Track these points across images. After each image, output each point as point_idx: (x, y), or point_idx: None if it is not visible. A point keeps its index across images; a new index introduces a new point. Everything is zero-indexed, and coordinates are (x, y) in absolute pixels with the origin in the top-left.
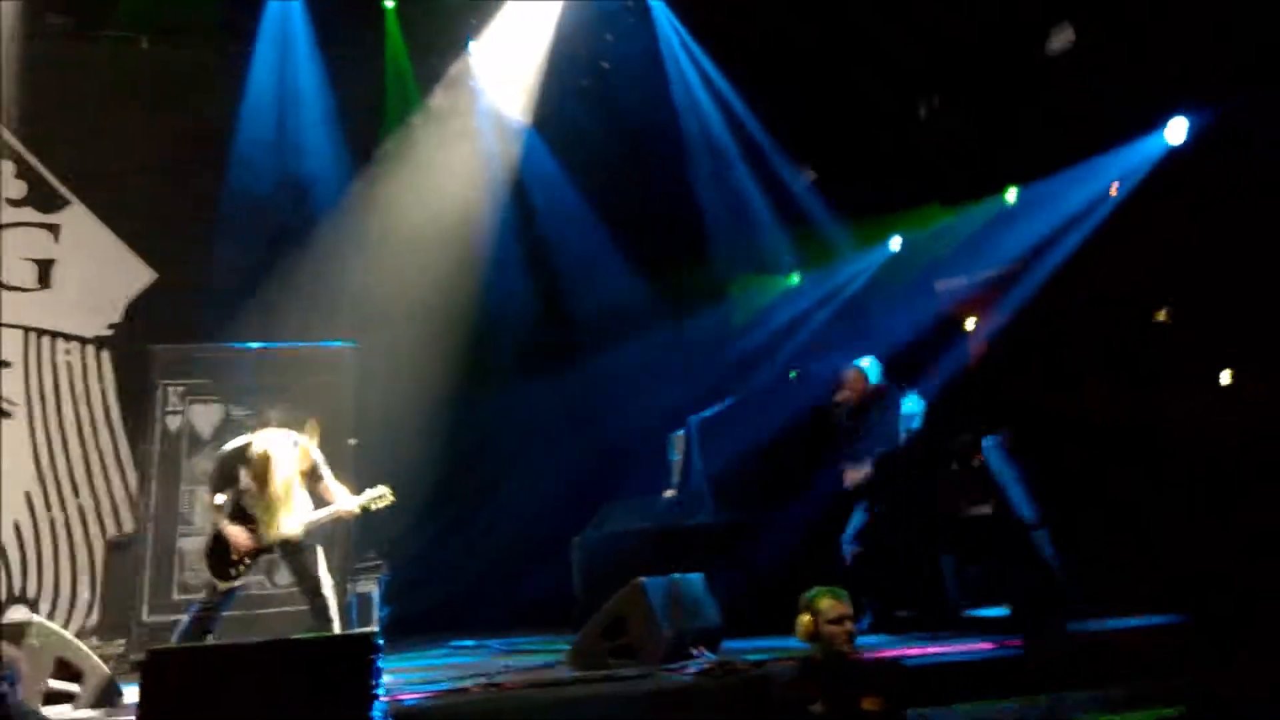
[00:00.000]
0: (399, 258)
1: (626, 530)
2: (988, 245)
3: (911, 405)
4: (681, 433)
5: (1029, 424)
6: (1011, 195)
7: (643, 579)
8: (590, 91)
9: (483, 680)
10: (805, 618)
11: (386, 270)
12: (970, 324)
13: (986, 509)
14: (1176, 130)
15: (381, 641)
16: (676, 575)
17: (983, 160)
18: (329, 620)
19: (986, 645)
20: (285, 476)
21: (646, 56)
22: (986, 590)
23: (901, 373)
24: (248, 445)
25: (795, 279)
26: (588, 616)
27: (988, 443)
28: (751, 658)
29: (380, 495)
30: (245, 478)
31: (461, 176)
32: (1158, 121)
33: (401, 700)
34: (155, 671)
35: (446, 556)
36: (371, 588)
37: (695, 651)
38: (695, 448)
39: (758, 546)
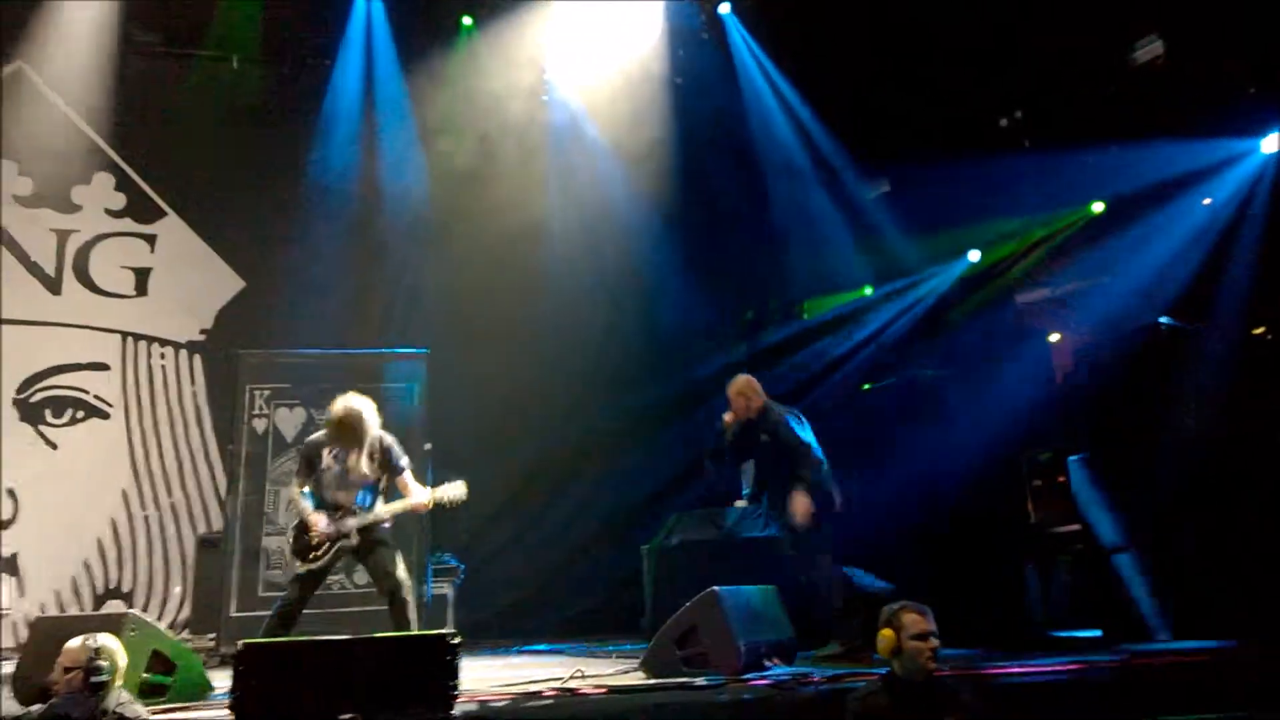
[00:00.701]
0: (474, 267)
1: (697, 540)
2: (1073, 258)
3: (805, 429)
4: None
5: (1116, 443)
6: (1098, 207)
7: (716, 589)
8: (663, 105)
9: (555, 684)
10: (887, 632)
11: (462, 279)
12: (1054, 338)
13: (1075, 526)
14: (1272, 142)
15: (457, 643)
16: (751, 587)
17: (1066, 172)
18: (408, 620)
19: (1074, 666)
20: (362, 468)
21: (718, 69)
22: (1073, 611)
23: (982, 386)
24: (327, 430)
25: (868, 291)
26: (657, 624)
27: (1071, 460)
28: (827, 672)
29: (456, 490)
30: (326, 460)
31: (536, 189)
32: (1253, 132)
33: (477, 700)
34: (247, 663)
35: (517, 561)
36: (446, 590)
37: (770, 663)
38: None
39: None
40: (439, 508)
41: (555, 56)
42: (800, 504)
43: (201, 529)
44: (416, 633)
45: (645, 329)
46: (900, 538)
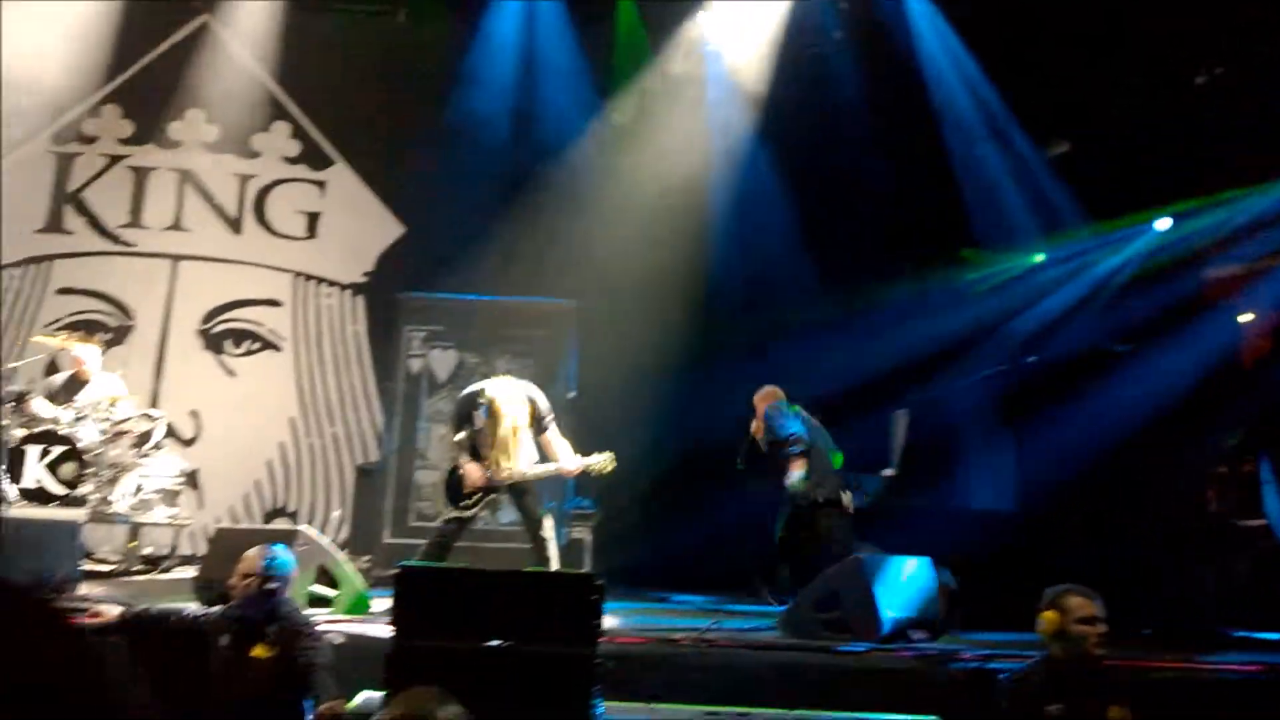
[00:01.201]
0: (626, 220)
1: (839, 502)
2: (1271, 230)
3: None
4: (904, 411)
5: None
6: None
7: (861, 555)
8: (823, 60)
9: (693, 634)
10: (1050, 614)
11: (614, 231)
12: (1246, 317)
13: (1260, 520)
14: None
15: (601, 584)
16: (899, 556)
17: (1270, 135)
18: (548, 559)
19: (1252, 667)
20: (512, 424)
21: (881, 24)
22: (1254, 609)
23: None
24: (482, 390)
25: (1039, 257)
26: (795, 585)
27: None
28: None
29: (604, 461)
30: (479, 420)
31: (691, 143)
32: None
33: (616, 641)
34: (407, 585)
35: (656, 511)
36: (584, 535)
37: (915, 635)
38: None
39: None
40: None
41: (713, 6)
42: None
43: (360, 459)
44: (564, 570)
45: (798, 284)
46: (1060, 518)
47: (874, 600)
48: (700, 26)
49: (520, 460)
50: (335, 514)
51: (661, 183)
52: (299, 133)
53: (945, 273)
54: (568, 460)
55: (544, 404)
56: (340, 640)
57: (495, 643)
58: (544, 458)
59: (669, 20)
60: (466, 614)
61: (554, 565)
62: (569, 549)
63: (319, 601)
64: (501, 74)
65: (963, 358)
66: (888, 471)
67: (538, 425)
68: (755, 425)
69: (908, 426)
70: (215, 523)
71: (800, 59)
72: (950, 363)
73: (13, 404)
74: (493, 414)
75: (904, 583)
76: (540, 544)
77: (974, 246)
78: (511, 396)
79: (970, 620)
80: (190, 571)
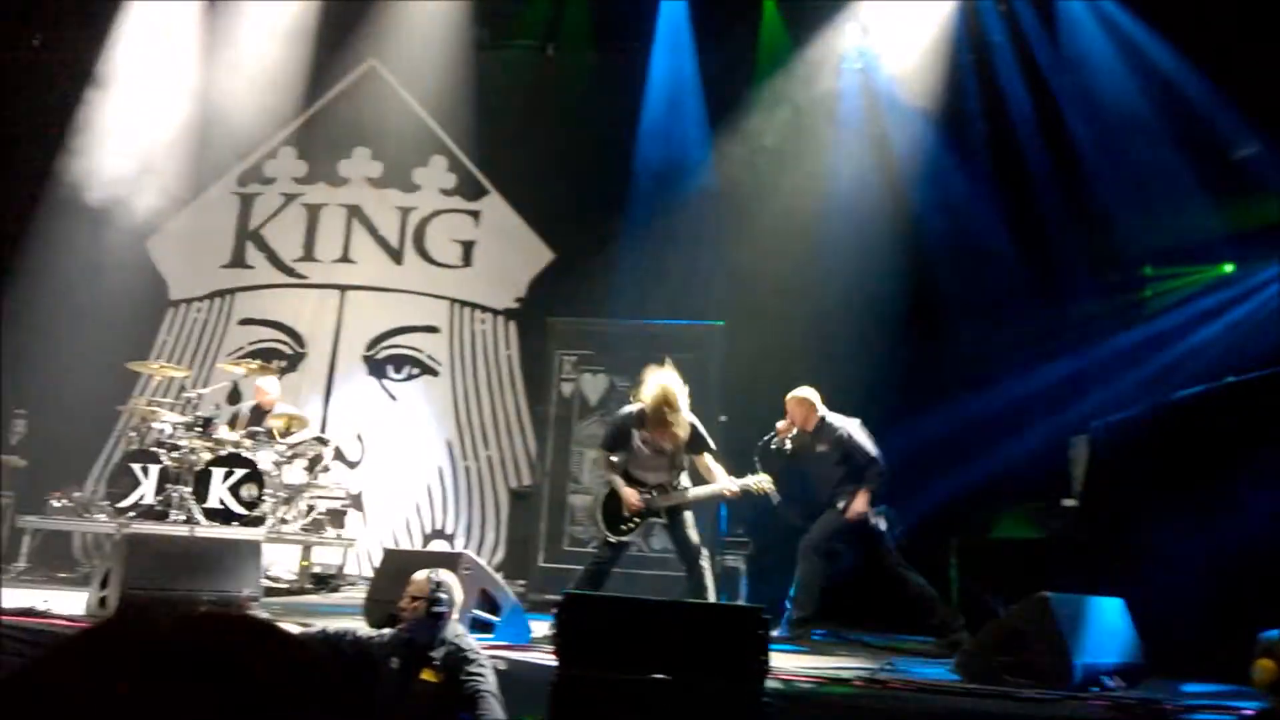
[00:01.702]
0: (775, 240)
1: (1014, 539)
2: None
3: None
4: (1084, 437)
5: None
6: None
7: (1047, 594)
8: (982, 66)
9: (864, 674)
10: (1266, 663)
11: (761, 252)
12: None
13: None
14: None
15: (768, 618)
16: (1090, 596)
17: None
18: (705, 589)
19: None
20: (674, 440)
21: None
22: None
23: None
24: (641, 411)
25: (1229, 268)
26: (970, 625)
27: None
28: (1181, 701)
29: (762, 482)
30: (636, 441)
31: (841, 160)
32: None
33: (782, 678)
34: (569, 612)
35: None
36: (739, 563)
37: (1109, 683)
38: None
39: (1179, 574)
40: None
41: (860, 24)
42: (860, 502)
43: (514, 483)
44: (729, 603)
45: (957, 301)
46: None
47: (1064, 643)
48: (850, 38)
49: (676, 483)
50: (490, 537)
51: (811, 201)
52: (455, 165)
53: (1125, 289)
54: (728, 481)
55: (701, 428)
56: (503, 666)
57: (659, 676)
58: (701, 481)
59: (816, 33)
60: (629, 645)
61: (711, 595)
62: (723, 578)
63: (482, 626)
64: (648, 99)
65: (1146, 379)
66: (1068, 502)
67: (697, 449)
68: (786, 424)
69: (1090, 454)
70: (379, 544)
71: (958, 66)
72: (1132, 386)
73: (200, 428)
74: (651, 440)
75: (1096, 625)
76: (698, 573)
77: (1155, 259)
78: (673, 419)
79: (1168, 667)
80: (357, 592)
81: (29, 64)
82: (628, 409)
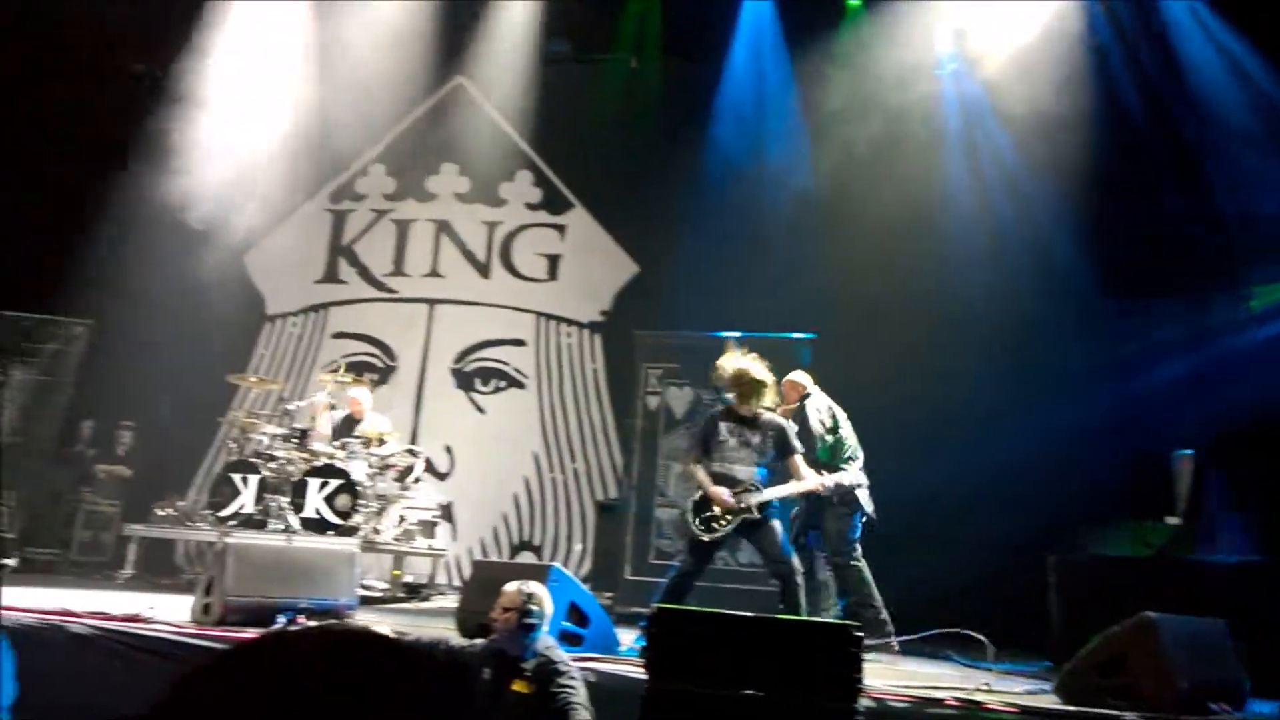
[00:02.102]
0: (866, 250)
1: (1117, 556)
2: None
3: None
4: (1189, 453)
5: None
6: None
7: (1152, 614)
8: (1080, 71)
9: (960, 694)
10: None
11: (853, 262)
12: None
13: None
14: None
15: (860, 635)
16: (1194, 618)
17: None
18: (797, 603)
19: None
20: (763, 416)
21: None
22: None
23: None
24: (728, 408)
25: None
26: (1065, 644)
27: None
28: None
29: (851, 476)
30: (723, 432)
31: (934, 168)
32: None
33: (875, 696)
34: (660, 626)
35: (904, 558)
36: (828, 577)
37: (1216, 708)
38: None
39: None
40: (829, 494)
41: (952, 28)
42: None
43: (600, 495)
44: (821, 620)
45: (1055, 314)
46: None
47: (1169, 666)
48: (942, 42)
49: (765, 482)
50: (576, 549)
51: (904, 211)
52: (541, 180)
53: (1227, 302)
54: (817, 478)
55: (790, 429)
56: (593, 678)
57: (750, 692)
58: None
59: (906, 38)
60: (720, 659)
61: (802, 610)
62: (817, 591)
63: (570, 638)
64: (732, 111)
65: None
66: (1172, 519)
67: (785, 451)
68: (783, 409)
69: (1193, 470)
70: (468, 554)
71: (1057, 69)
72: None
73: (297, 440)
74: (738, 432)
75: (1201, 647)
76: (788, 587)
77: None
78: (757, 393)
79: (1274, 690)
80: (447, 601)
81: (133, 87)
82: (714, 409)
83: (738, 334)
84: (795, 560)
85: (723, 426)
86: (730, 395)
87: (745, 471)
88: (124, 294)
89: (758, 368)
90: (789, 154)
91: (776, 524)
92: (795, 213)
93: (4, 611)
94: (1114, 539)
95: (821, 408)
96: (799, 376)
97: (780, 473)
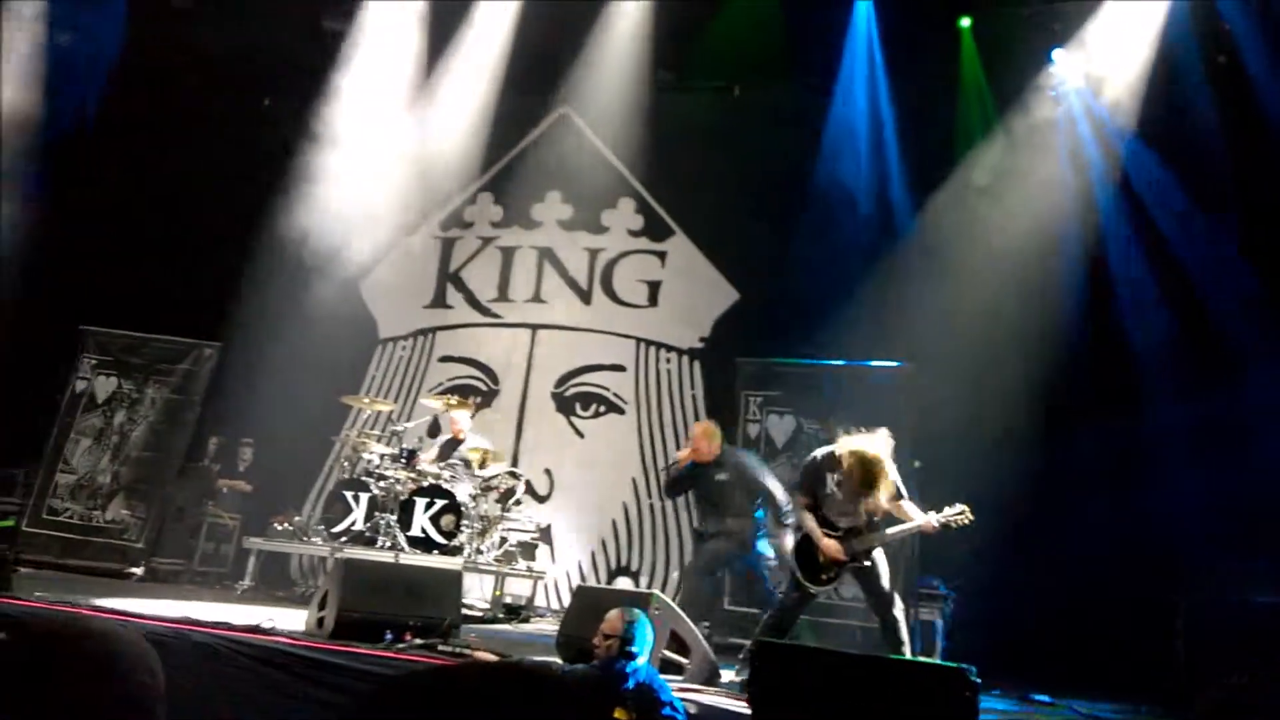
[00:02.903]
0: (970, 278)
1: (1260, 600)
2: None
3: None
4: None
5: None
6: None
7: None
8: (1205, 90)
9: None
10: None
11: (953, 292)
12: None
13: None
14: None
15: (978, 680)
16: None
17: None
18: (900, 641)
19: None
20: (878, 502)
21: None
22: None
23: None
24: (834, 453)
25: None
26: (1196, 693)
27: None
28: None
29: (960, 513)
30: (830, 484)
31: (1046, 193)
32: None
33: None
34: (764, 660)
35: (1014, 596)
36: (934, 617)
37: None
38: None
39: None
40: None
41: (1065, 50)
42: (787, 541)
43: (698, 523)
44: (935, 662)
45: (1171, 339)
46: None
47: None
48: (1049, 73)
49: (876, 527)
50: (674, 576)
51: (1012, 238)
52: (642, 207)
53: None
54: (923, 516)
55: (896, 475)
56: (694, 710)
57: None
58: (893, 521)
59: (1013, 69)
60: (825, 698)
61: (906, 650)
62: (917, 632)
63: (671, 667)
64: (835, 137)
65: None
66: None
67: (891, 497)
68: (687, 453)
69: None
70: (566, 577)
71: (1179, 91)
72: None
73: (404, 460)
74: (848, 479)
75: None
76: (892, 625)
77: None
78: (875, 485)
79: None
80: (546, 624)
81: (258, 122)
82: (822, 450)
83: (839, 361)
84: (898, 601)
85: (829, 477)
86: (847, 467)
87: (849, 522)
88: (249, 318)
89: (881, 465)
90: (895, 181)
91: (882, 564)
92: (902, 241)
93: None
94: (1251, 582)
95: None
96: (713, 426)
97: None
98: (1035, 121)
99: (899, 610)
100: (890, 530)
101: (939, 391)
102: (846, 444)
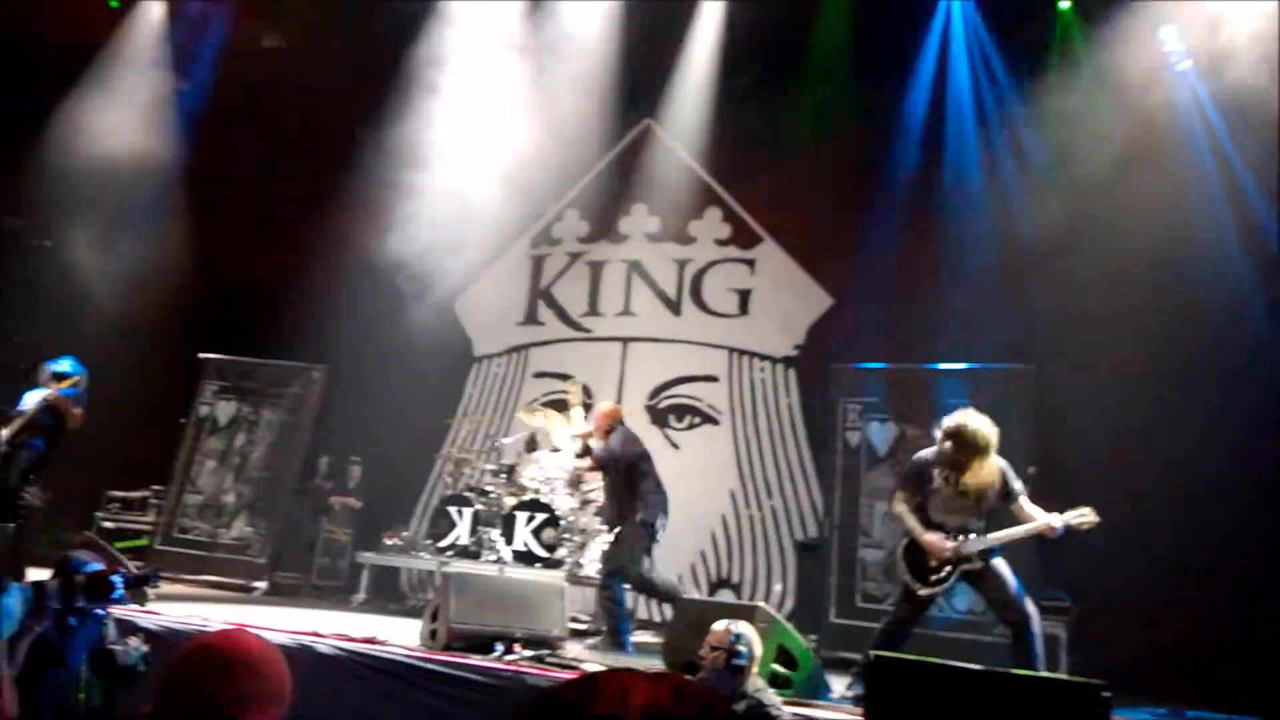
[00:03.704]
0: (1089, 276)
1: None
2: None
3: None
4: None
5: None
6: None
7: None
8: None
9: None
10: None
11: (1068, 289)
12: None
13: None
14: None
15: (1109, 695)
16: None
17: None
18: (1031, 656)
19: None
20: (979, 484)
21: None
22: None
23: None
24: (941, 449)
25: None
26: None
27: None
28: None
29: (1083, 516)
30: (937, 480)
31: (1172, 186)
32: None
33: None
34: (879, 675)
35: (1143, 608)
36: (1058, 630)
37: None
38: None
39: None
40: (1058, 536)
41: (1174, 29)
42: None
43: (799, 534)
44: (1064, 677)
45: None
46: None
47: None
48: (1161, 52)
49: (982, 528)
50: (776, 589)
51: (1131, 228)
52: (729, 215)
53: None
54: (1045, 518)
55: (1010, 470)
56: None
57: None
58: (1009, 521)
59: (1120, 51)
60: (946, 715)
61: (1039, 664)
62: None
63: (779, 681)
64: (930, 135)
65: None
66: None
67: (1008, 494)
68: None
69: None
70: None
71: None
72: None
73: (505, 475)
74: (953, 479)
75: None
76: (1024, 636)
77: None
78: (982, 459)
79: None
80: (649, 636)
81: (351, 150)
82: (925, 450)
83: (951, 365)
84: (1030, 608)
85: (936, 472)
86: (949, 447)
87: (958, 521)
88: (353, 341)
89: (989, 431)
90: (995, 178)
91: (1004, 568)
92: (1004, 240)
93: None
94: None
95: (631, 438)
96: (610, 406)
97: (1004, 516)
98: (1152, 105)
99: (1035, 620)
100: (1006, 531)
101: (1059, 393)
102: (948, 419)
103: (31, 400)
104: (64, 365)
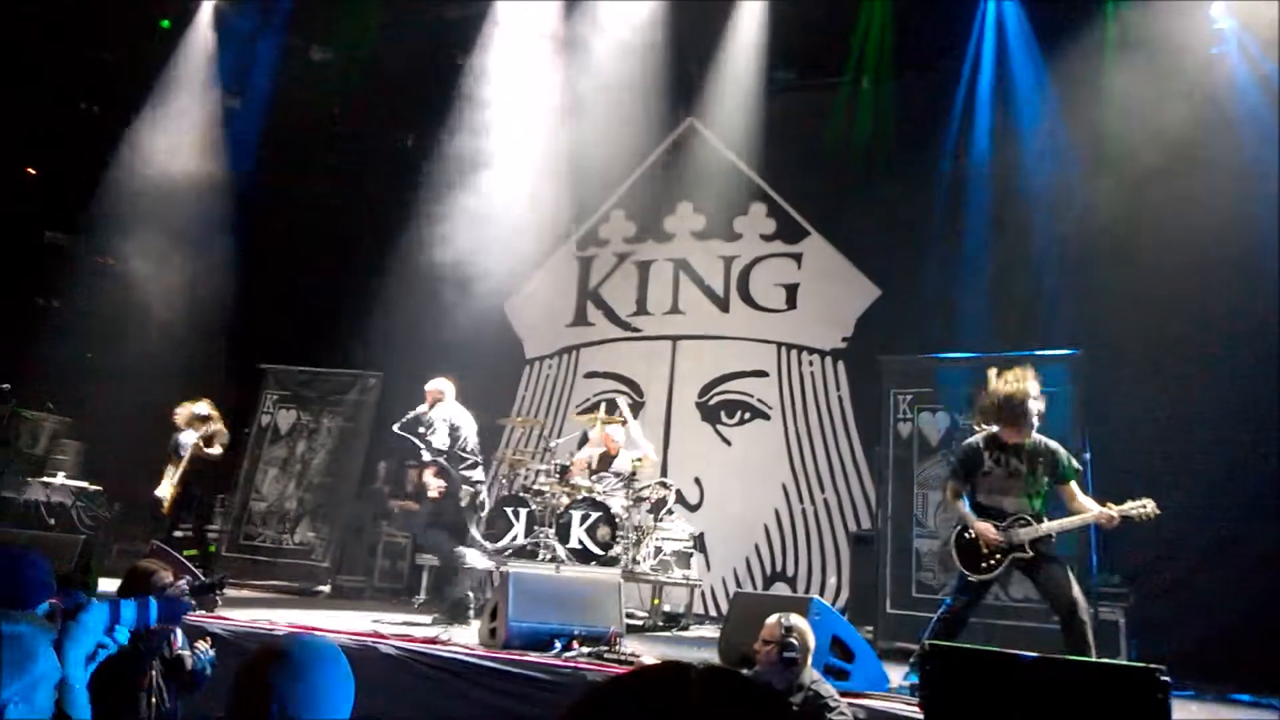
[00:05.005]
0: (1140, 260)
1: None
2: None
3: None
4: None
5: None
6: None
7: None
8: None
9: None
10: None
11: (1121, 274)
12: None
13: None
14: None
15: (1168, 680)
16: None
17: None
18: (1086, 644)
19: None
20: (1027, 472)
21: None
22: None
23: None
24: (993, 434)
25: None
26: None
27: None
28: None
29: (1143, 507)
30: (988, 462)
31: (1226, 168)
32: None
33: None
34: (935, 665)
35: (1203, 594)
36: (1117, 616)
37: None
38: None
39: None
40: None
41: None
42: (432, 482)
43: (852, 526)
44: (1121, 663)
45: None
46: None
47: None
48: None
49: (1036, 513)
50: (830, 580)
51: (1185, 212)
52: (774, 210)
53: None
54: (1100, 508)
55: (1063, 451)
56: (863, 715)
57: None
58: (1069, 513)
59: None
60: (1002, 703)
61: (1092, 651)
62: (1099, 633)
63: (835, 673)
64: (976, 124)
65: None
66: None
67: (1059, 476)
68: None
69: None
70: (722, 584)
71: None
72: None
73: (558, 475)
74: (1004, 461)
75: None
76: (1076, 627)
77: None
78: (1023, 421)
79: None
80: (705, 630)
81: (400, 159)
82: (975, 436)
83: (1001, 354)
84: (1078, 595)
85: (986, 455)
86: (993, 424)
87: (1014, 504)
88: (407, 347)
89: (1029, 386)
90: (1042, 165)
91: (1058, 559)
92: (1055, 227)
93: (324, 632)
94: None
95: (453, 414)
96: (439, 384)
97: (1055, 500)
98: (1204, 87)
99: (1085, 611)
100: (1060, 520)
101: (1113, 380)
102: (993, 385)
103: (186, 442)
104: (203, 408)
